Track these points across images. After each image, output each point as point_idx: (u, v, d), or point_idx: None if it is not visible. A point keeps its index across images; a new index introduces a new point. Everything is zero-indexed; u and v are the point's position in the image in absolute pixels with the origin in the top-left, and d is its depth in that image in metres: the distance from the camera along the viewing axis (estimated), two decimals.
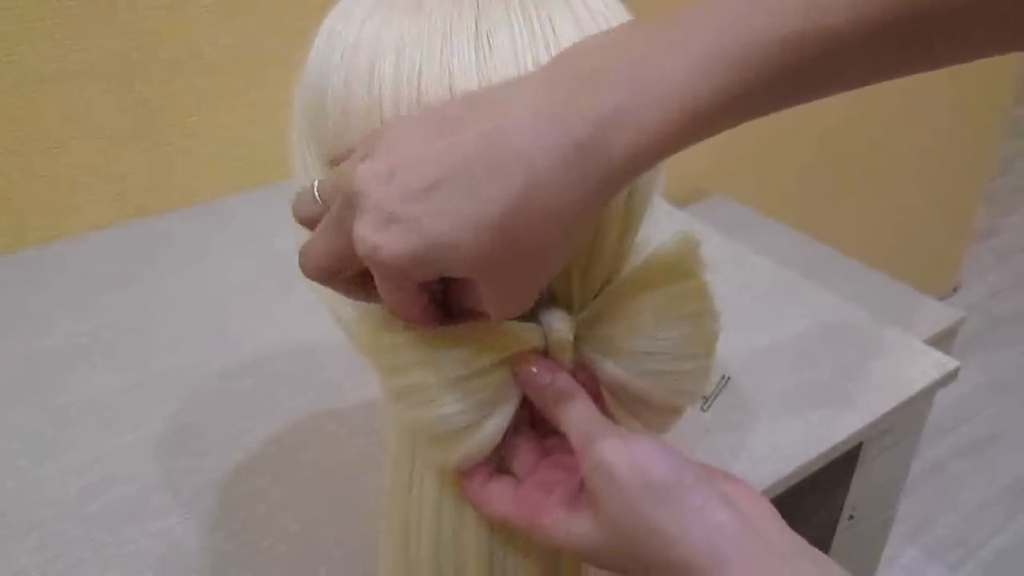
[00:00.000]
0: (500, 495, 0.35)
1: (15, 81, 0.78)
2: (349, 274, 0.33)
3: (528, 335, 0.35)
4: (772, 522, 0.32)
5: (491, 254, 0.28)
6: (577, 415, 0.33)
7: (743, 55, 0.27)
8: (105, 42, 0.81)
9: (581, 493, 0.33)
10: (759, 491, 0.57)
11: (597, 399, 0.36)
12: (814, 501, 0.77)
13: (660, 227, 0.41)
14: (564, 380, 0.34)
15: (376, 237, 0.29)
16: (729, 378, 0.67)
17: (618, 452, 0.31)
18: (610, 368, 0.35)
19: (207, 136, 0.91)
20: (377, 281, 0.31)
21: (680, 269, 0.36)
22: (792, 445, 0.61)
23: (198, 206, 0.91)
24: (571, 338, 0.35)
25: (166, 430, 0.62)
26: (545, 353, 0.35)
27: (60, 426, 0.62)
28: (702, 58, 0.27)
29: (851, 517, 0.78)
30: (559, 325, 0.35)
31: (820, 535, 0.79)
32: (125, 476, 0.58)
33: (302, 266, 0.33)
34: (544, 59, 0.33)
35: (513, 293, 0.31)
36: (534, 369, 0.34)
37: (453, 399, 0.33)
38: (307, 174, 0.38)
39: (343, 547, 0.53)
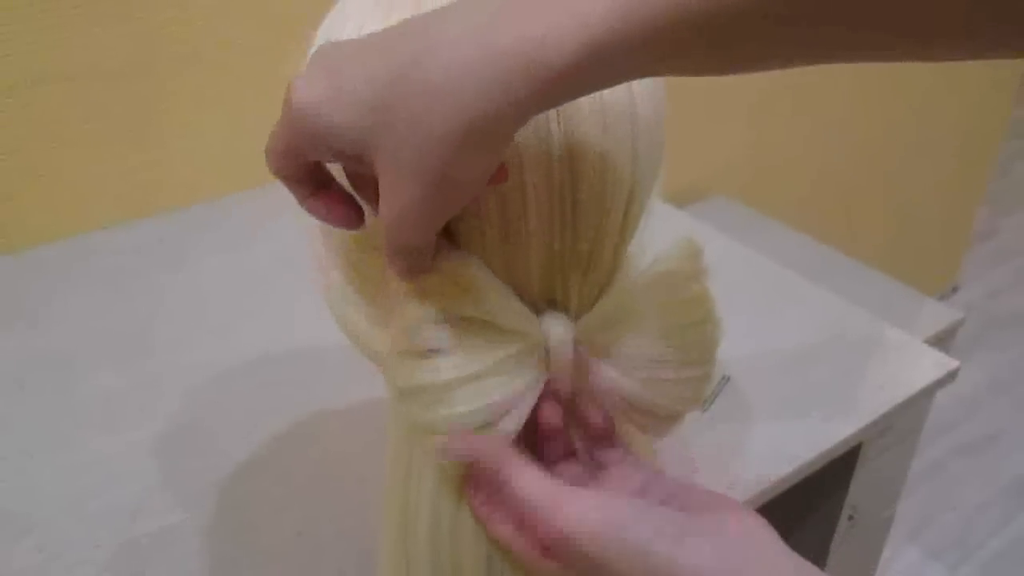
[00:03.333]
0: (502, 516, 0.35)
1: (15, 81, 0.78)
2: (299, 171, 0.33)
3: (530, 338, 0.35)
4: (767, 546, 0.31)
5: (382, 117, 0.28)
6: (526, 481, 0.32)
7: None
8: (105, 42, 0.81)
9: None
10: (763, 488, 0.57)
11: (597, 414, 0.36)
12: (814, 501, 0.77)
13: (660, 228, 0.41)
14: (489, 440, 0.34)
15: (297, 81, 0.30)
16: (729, 378, 0.66)
17: (579, 522, 0.30)
18: (610, 374, 0.35)
19: (207, 136, 0.91)
20: (284, 140, 0.32)
21: (683, 276, 0.35)
22: (792, 445, 0.61)
23: (198, 206, 0.91)
24: (571, 342, 0.35)
25: (167, 430, 0.62)
26: (546, 358, 0.35)
27: (61, 426, 0.62)
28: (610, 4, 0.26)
29: (851, 517, 0.78)
30: (559, 329, 0.35)
31: (820, 535, 0.79)
32: (125, 476, 0.58)
33: (268, 165, 0.34)
34: None
35: (403, 190, 0.29)
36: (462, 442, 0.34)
37: (464, 399, 0.33)
38: None
39: (343, 546, 0.53)
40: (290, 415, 0.63)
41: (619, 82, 0.29)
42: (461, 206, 0.31)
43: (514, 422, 0.34)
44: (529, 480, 0.32)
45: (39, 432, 0.61)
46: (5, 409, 0.63)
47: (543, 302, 0.36)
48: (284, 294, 0.76)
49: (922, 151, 1.79)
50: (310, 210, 0.34)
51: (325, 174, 0.34)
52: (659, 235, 0.41)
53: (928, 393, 0.69)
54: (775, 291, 0.80)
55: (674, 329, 0.35)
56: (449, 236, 0.34)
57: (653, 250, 0.38)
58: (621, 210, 0.36)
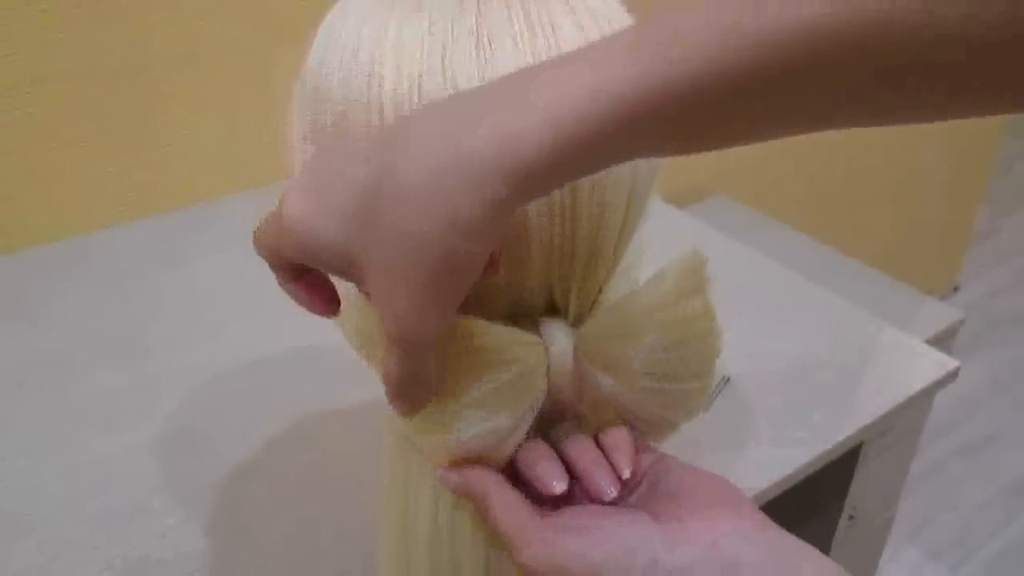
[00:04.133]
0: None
1: (15, 81, 0.78)
2: (283, 262, 0.33)
3: (529, 348, 0.35)
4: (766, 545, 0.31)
5: (359, 235, 0.28)
6: (501, 512, 0.33)
7: (613, 98, 0.26)
8: (104, 42, 0.81)
9: None
10: (763, 488, 0.57)
11: (597, 413, 0.36)
12: (814, 501, 0.77)
13: (660, 228, 0.41)
14: (479, 473, 0.34)
15: (290, 195, 0.31)
16: (729, 378, 0.66)
17: (532, 560, 0.31)
18: (609, 384, 0.35)
19: (206, 136, 0.91)
20: (274, 240, 0.32)
21: (685, 292, 0.35)
22: (792, 445, 0.61)
23: (198, 206, 0.91)
24: (572, 351, 0.35)
25: (166, 430, 0.62)
26: (547, 370, 0.35)
27: (60, 426, 0.62)
28: (578, 94, 0.26)
29: (851, 517, 0.78)
30: (559, 337, 0.35)
31: (820, 535, 0.79)
32: (125, 476, 0.58)
33: (255, 246, 0.34)
34: (544, 59, 0.33)
35: (398, 293, 0.28)
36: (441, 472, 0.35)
37: (467, 422, 0.33)
38: None
39: (343, 547, 0.53)
40: (289, 416, 0.63)
41: (601, 167, 0.29)
42: (459, 300, 0.29)
43: (516, 439, 0.35)
44: (503, 512, 0.33)
45: (38, 432, 0.61)
46: (4, 409, 0.63)
47: (543, 308, 0.36)
48: (283, 294, 0.75)
49: (922, 151, 1.79)
50: (291, 294, 0.35)
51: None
52: (659, 235, 0.41)
53: (928, 393, 0.69)
54: (775, 291, 0.80)
55: (675, 343, 0.35)
56: None
57: (651, 252, 0.38)
58: (620, 213, 0.36)
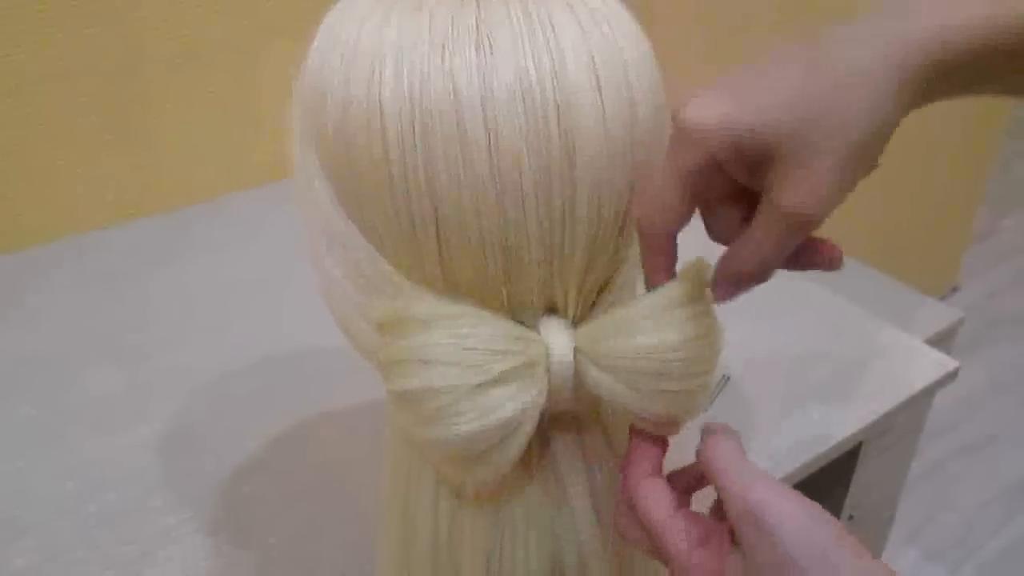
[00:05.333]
0: (656, 498, 0.35)
1: (13, 81, 0.78)
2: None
3: (530, 344, 0.35)
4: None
5: (799, 113, 0.31)
6: (723, 453, 0.34)
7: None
8: (103, 42, 0.81)
9: (721, 532, 0.34)
10: None
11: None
12: (814, 501, 0.77)
13: None
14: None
15: (687, 109, 0.33)
16: (729, 378, 0.66)
17: (782, 512, 0.32)
18: (609, 384, 0.35)
19: (206, 135, 0.91)
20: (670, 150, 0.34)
21: (688, 297, 0.35)
22: (792, 445, 0.61)
23: (197, 206, 0.91)
24: (572, 348, 0.35)
25: (166, 430, 0.62)
26: (547, 369, 0.35)
27: (59, 426, 0.62)
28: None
29: (851, 517, 0.78)
30: (559, 335, 0.35)
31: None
32: (125, 476, 0.58)
33: (642, 220, 0.35)
34: (544, 60, 0.33)
35: (823, 173, 0.31)
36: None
37: (468, 416, 0.33)
38: (307, 175, 0.38)
39: (343, 547, 0.53)
40: (289, 416, 0.63)
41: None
42: (854, 185, 0.33)
43: (519, 441, 0.34)
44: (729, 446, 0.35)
45: (38, 432, 0.61)
46: (3, 409, 0.63)
47: (542, 308, 0.36)
48: (282, 294, 0.76)
49: (922, 150, 1.79)
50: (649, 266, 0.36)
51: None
52: None
53: (928, 393, 0.69)
54: (775, 291, 0.79)
55: (675, 343, 0.34)
56: (449, 243, 0.34)
57: None
58: (620, 213, 0.36)
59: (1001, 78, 0.33)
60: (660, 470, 0.37)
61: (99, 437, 0.61)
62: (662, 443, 0.37)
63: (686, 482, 0.38)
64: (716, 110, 0.32)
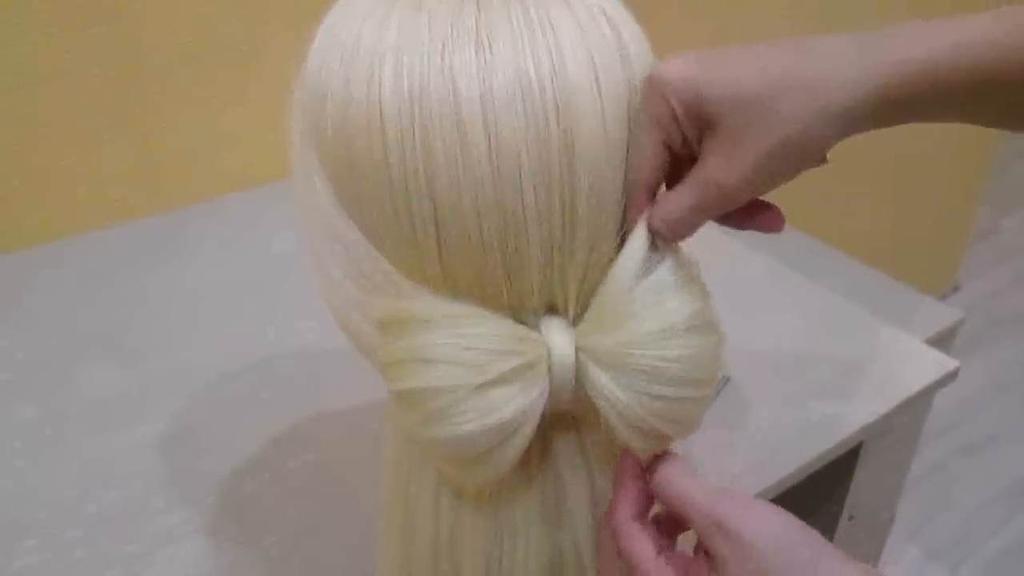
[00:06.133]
0: (641, 542, 0.35)
1: (14, 81, 0.78)
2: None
3: (531, 344, 0.34)
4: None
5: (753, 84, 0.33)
6: (674, 478, 0.35)
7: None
8: (103, 42, 0.81)
9: (700, 565, 0.34)
10: (763, 488, 0.57)
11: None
12: (814, 501, 0.77)
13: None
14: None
15: (662, 65, 0.35)
16: (729, 378, 0.66)
17: (747, 521, 0.32)
18: (608, 386, 0.34)
19: (206, 135, 0.91)
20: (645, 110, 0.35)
21: (688, 291, 0.35)
22: (792, 445, 0.61)
23: (197, 206, 0.91)
24: (572, 348, 0.35)
25: (166, 430, 0.62)
26: (548, 369, 0.35)
27: (60, 426, 0.62)
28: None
29: (851, 517, 0.78)
30: (559, 334, 0.35)
31: (820, 535, 0.79)
32: (125, 476, 0.58)
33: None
34: (544, 60, 0.33)
35: (749, 156, 0.33)
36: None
37: (470, 416, 0.33)
38: (307, 174, 0.38)
39: (343, 547, 0.53)
40: (289, 416, 0.63)
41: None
42: (788, 176, 0.35)
43: (521, 442, 0.34)
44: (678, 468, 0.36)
45: (38, 432, 0.61)
46: (4, 409, 0.63)
47: (543, 308, 0.36)
48: (282, 294, 0.76)
49: (922, 150, 1.79)
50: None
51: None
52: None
53: (928, 393, 0.69)
54: (775, 290, 0.80)
55: (675, 345, 0.34)
56: (449, 243, 0.34)
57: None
58: (619, 213, 0.36)
59: (951, 109, 0.34)
60: (646, 511, 0.37)
61: (99, 437, 0.61)
62: (643, 480, 0.37)
63: (670, 524, 0.38)
64: (682, 68, 0.34)
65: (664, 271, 0.35)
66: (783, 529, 0.32)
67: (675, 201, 0.35)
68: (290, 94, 0.39)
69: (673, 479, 0.35)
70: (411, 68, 0.33)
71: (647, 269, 0.35)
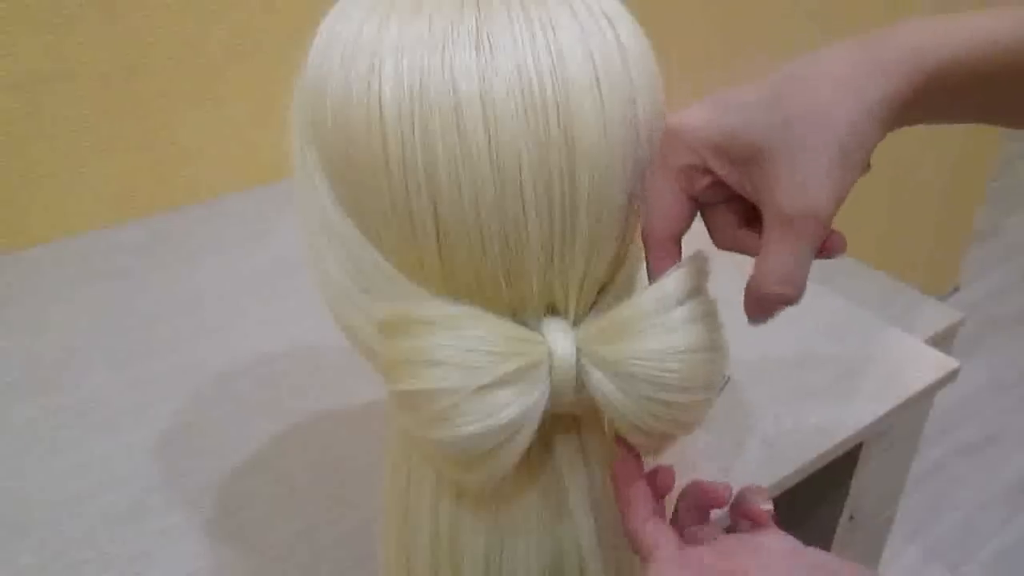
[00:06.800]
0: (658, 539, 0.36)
1: (15, 81, 0.78)
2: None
3: (532, 345, 0.34)
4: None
5: (777, 113, 0.32)
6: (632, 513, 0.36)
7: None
8: (104, 41, 0.81)
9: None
10: (765, 485, 0.57)
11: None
12: (814, 501, 0.77)
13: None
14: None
15: (673, 116, 0.35)
16: (729, 378, 0.66)
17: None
18: (609, 389, 0.34)
19: (207, 135, 0.91)
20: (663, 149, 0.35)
21: (689, 291, 0.35)
22: (792, 445, 0.61)
23: (198, 205, 0.91)
24: (573, 349, 0.35)
25: (166, 430, 0.62)
26: (549, 371, 0.35)
27: (60, 426, 0.62)
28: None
29: (851, 517, 0.78)
30: (560, 336, 0.35)
31: (820, 535, 0.79)
32: (125, 476, 0.58)
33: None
34: (544, 60, 0.33)
35: (816, 168, 0.32)
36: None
37: (471, 417, 0.33)
38: (306, 174, 0.38)
39: (343, 547, 0.53)
40: (289, 416, 0.63)
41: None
42: (851, 183, 0.33)
43: (521, 443, 0.34)
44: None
45: (38, 432, 0.61)
46: (4, 409, 0.63)
47: (543, 309, 0.36)
48: (283, 293, 0.76)
49: (922, 150, 1.79)
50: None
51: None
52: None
53: (928, 393, 0.69)
54: None
55: (677, 349, 0.34)
56: (449, 243, 0.34)
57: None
58: (621, 213, 0.36)
59: (972, 103, 0.34)
60: (656, 508, 0.37)
61: (99, 437, 0.61)
62: (645, 479, 0.38)
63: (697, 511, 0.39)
64: (701, 113, 0.34)
65: (683, 310, 0.35)
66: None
67: (778, 256, 0.33)
68: (290, 94, 0.39)
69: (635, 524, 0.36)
70: (411, 68, 0.33)
71: (668, 306, 0.35)
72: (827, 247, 0.36)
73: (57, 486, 0.57)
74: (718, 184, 0.35)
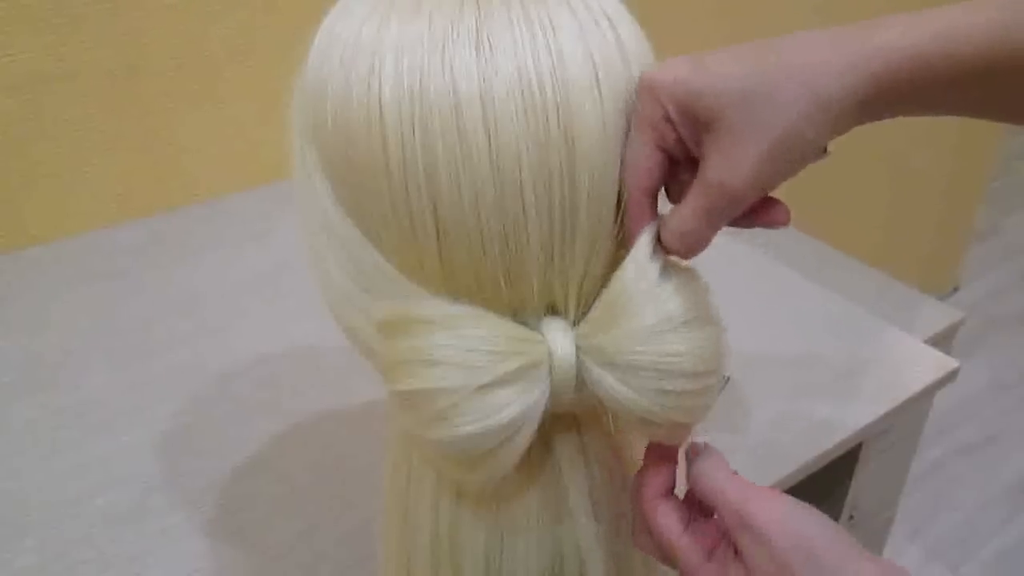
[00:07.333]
0: (668, 518, 0.36)
1: (15, 81, 0.78)
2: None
3: (532, 344, 0.34)
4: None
5: (745, 84, 0.33)
6: (710, 471, 0.36)
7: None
8: (105, 41, 0.81)
9: (721, 547, 0.35)
10: (765, 485, 0.57)
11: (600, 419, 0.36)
12: (814, 501, 0.77)
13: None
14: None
15: (650, 71, 0.35)
16: (729, 378, 0.66)
17: (772, 518, 0.33)
18: (611, 384, 0.34)
19: (207, 135, 0.91)
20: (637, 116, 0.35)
21: (688, 288, 0.35)
22: (792, 445, 0.61)
23: (198, 206, 0.91)
24: (573, 348, 0.35)
25: (166, 430, 0.62)
26: (549, 369, 0.35)
27: (59, 426, 0.62)
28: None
29: (851, 517, 0.78)
30: (560, 335, 0.35)
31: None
32: (125, 476, 0.58)
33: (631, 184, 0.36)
34: (544, 60, 0.33)
35: (752, 151, 0.33)
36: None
37: (471, 417, 0.33)
38: (306, 174, 0.38)
39: (343, 547, 0.53)
40: (289, 416, 0.63)
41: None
42: (789, 173, 0.34)
43: (521, 443, 0.34)
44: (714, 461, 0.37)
45: (38, 432, 0.61)
46: (4, 409, 0.63)
47: (543, 308, 0.36)
48: (283, 293, 0.76)
49: (922, 150, 1.79)
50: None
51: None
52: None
53: (928, 393, 0.69)
54: (775, 290, 0.80)
55: (676, 339, 0.34)
56: (449, 243, 0.34)
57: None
58: (620, 213, 0.36)
59: (940, 101, 0.34)
60: (672, 487, 0.38)
61: (99, 437, 0.61)
62: (672, 458, 0.38)
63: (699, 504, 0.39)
64: (674, 70, 0.34)
65: (664, 273, 0.35)
66: (809, 529, 0.33)
67: (683, 213, 0.35)
68: (290, 94, 0.39)
69: (707, 473, 0.36)
70: (411, 68, 0.33)
71: (647, 274, 0.35)
72: (769, 219, 0.38)
73: (56, 486, 0.57)
74: (683, 145, 0.35)
